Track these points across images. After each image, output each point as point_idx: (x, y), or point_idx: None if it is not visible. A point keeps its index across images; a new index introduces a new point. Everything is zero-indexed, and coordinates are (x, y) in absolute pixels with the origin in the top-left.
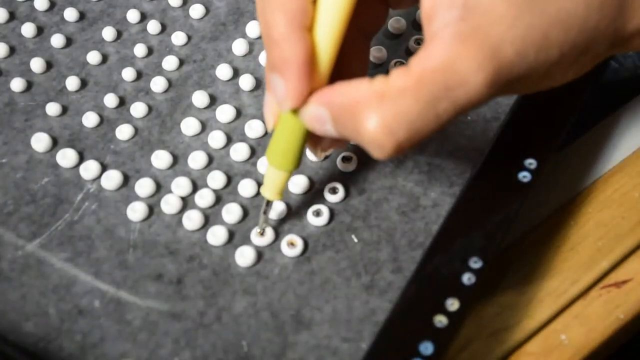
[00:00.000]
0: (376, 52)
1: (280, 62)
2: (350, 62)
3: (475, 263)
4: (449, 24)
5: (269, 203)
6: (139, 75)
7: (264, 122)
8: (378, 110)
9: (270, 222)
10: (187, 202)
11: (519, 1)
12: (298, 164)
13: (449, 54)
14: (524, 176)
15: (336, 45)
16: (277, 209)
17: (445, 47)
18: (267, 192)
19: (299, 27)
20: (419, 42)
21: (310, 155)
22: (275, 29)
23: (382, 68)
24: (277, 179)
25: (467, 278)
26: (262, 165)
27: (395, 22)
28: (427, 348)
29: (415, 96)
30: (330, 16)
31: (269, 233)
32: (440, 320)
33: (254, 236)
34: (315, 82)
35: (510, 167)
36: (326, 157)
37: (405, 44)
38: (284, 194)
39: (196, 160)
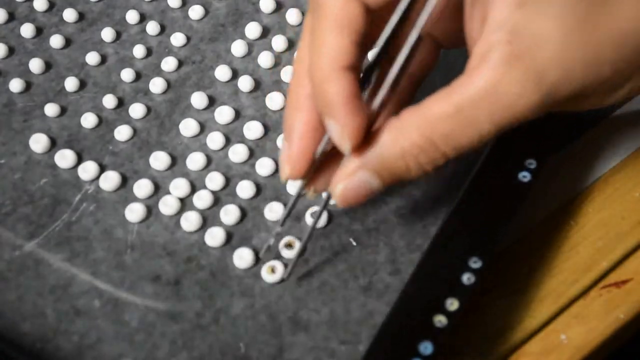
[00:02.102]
0: None
1: (326, 104)
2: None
3: (475, 263)
4: (495, 47)
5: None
6: (138, 76)
7: (262, 124)
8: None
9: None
10: (185, 204)
11: (569, 23)
12: None
13: (493, 77)
14: (524, 176)
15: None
16: (276, 210)
17: (490, 71)
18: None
19: (340, 68)
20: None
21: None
22: (318, 71)
23: None
24: None
25: (467, 278)
26: (261, 166)
27: None
28: (426, 348)
29: (456, 121)
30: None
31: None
32: (440, 320)
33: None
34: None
35: (510, 166)
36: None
37: None
38: (282, 194)
39: (194, 161)
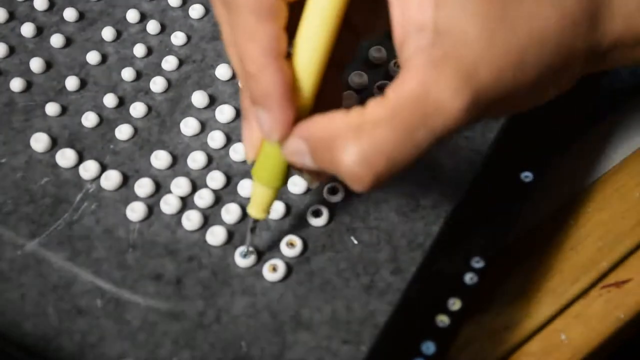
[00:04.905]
0: (357, 78)
1: (262, 95)
2: (324, 94)
3: (478, 263)
4: (420, 50)
5: (255, 221)
6: (139, 75)
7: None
8: (355, 143)
9: (256, 247)
10: (186, 202)
11: (490, 23)
12: (285, 182)
13: (423, 81)
14: (526, 176)
15: (319, 70)
16: (277, 209)
17: (418, 74)
18: (254, 209)
19: (275, 56)
20: (399, 65)
21: None
22: (251, 62)
23: (364, 93)
24: (264, 196)
25: (469, 278)
26: None
27: (376, 51)
28: (429, 348)
29: (392, 126)
30: (313, 38)
31: (252, 255)
32: (442, 320)
33: (238, 257)
34: (300, 111)
35: (513, 166)
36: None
37: (385, 69)
38: (282, 193)
39: (196, 160)
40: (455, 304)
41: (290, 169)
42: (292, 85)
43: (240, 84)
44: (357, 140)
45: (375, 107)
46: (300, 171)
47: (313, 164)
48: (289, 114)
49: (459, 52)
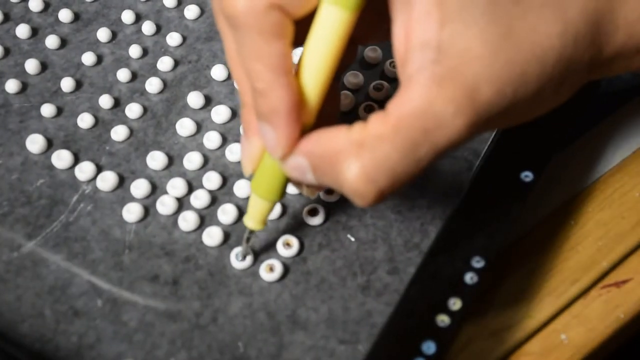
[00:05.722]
0: (352, 78)
1: (269, 111)
2: (322, 103)
3: (478, 262)
4: (423, 66)
5: (251, 232)
6: (134, 76)
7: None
8: (357, 159)
9: (253, 248)
10: (182, 203)
11: (494, 39)
12: (283, 195)
13: (426, 97)
14: (526, 176)
15: (324, 86)
16: (274, 209)
17: (422, 91)
18: (251, 221)
19: (282, 74)
20: (394, 65)
21: None
22: (259, 80)
23: (359, 93)
24: (261, 208)
25: (470, 277)
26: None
27: (371, 51)
28: (429, 347)
29: (394, 143)
30: (319, 57)
31: (248, 258)
32: (443, 319)
33: (234, 260)
34: (303, 126)
35: (513, 166)
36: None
37: (381, 69)
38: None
39: (191, 161)
40: (455, 304)
41: (286, 183)
42: (299, 102)
43: (240, 98)
44: (360, 156)
45: (377, 123)
46: (299, 185)
47: (314, 179)
48: (295, 131)
49: (462, 69)
